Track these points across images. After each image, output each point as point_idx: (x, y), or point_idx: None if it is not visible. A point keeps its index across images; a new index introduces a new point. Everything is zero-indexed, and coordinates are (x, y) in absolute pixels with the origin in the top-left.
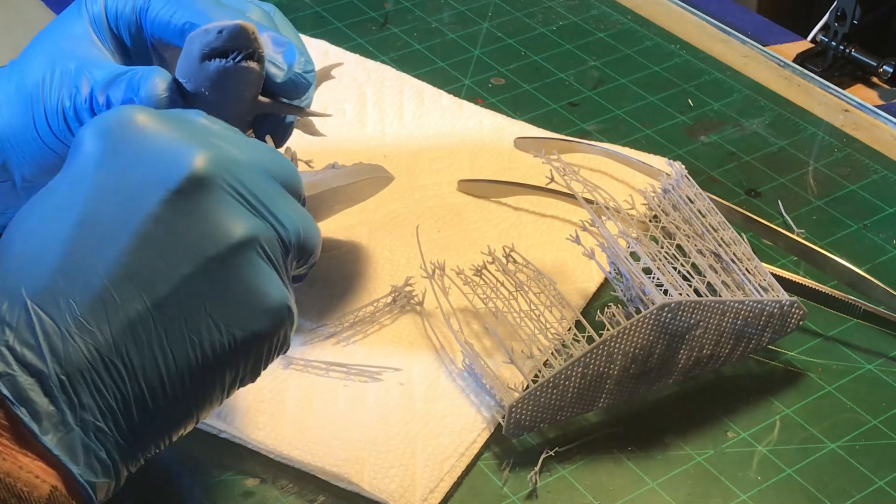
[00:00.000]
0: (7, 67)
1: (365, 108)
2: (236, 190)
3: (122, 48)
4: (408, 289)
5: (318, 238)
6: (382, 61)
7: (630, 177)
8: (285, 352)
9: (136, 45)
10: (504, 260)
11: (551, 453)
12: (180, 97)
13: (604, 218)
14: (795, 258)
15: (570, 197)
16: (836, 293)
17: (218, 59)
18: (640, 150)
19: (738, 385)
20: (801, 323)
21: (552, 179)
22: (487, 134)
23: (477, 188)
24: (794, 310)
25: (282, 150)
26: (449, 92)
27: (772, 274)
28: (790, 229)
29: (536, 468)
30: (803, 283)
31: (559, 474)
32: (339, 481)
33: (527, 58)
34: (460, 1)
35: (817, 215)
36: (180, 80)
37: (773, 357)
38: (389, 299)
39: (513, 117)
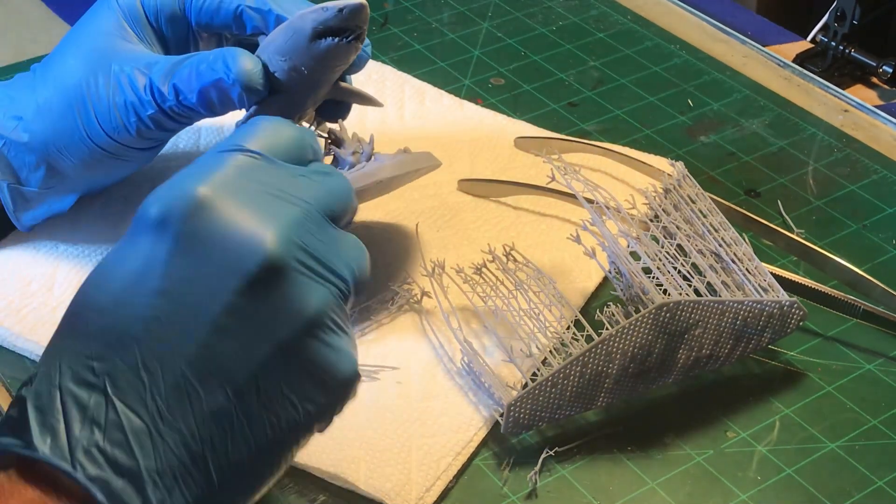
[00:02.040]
0: (35, 72)
1: (366, 107)
2: (303, 261)
3: (160, 39)
4: (406, 287)
5: (367, 264)
6: (382, 61)
7: (630, 177)
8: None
9: (177, 34)
10: (504, 258)
11: (551, 453)
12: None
13: (604, 217)
14: (795, 258)
15: (569, 196)
16: (837, 293)
17: (330, 38)
18: (641, 150)
19: (738, 385)
20: (801, 323)
21: (553, 178)
22: (487, 134)
23: (477, 188)
24: (793, 310)
25: (337, 125)
26: (449, 92)
27: (772, 274)
28: (790, 229)
29: (536, 468)
30: (803, 283)
31: (559, 474)
32: (335, 480)
33: (527, 58)
34: (460, 1)
35: (817, 215)
36: (271, 57)
37: (773, 357)
38: (388, 298)
39: (513, 117)
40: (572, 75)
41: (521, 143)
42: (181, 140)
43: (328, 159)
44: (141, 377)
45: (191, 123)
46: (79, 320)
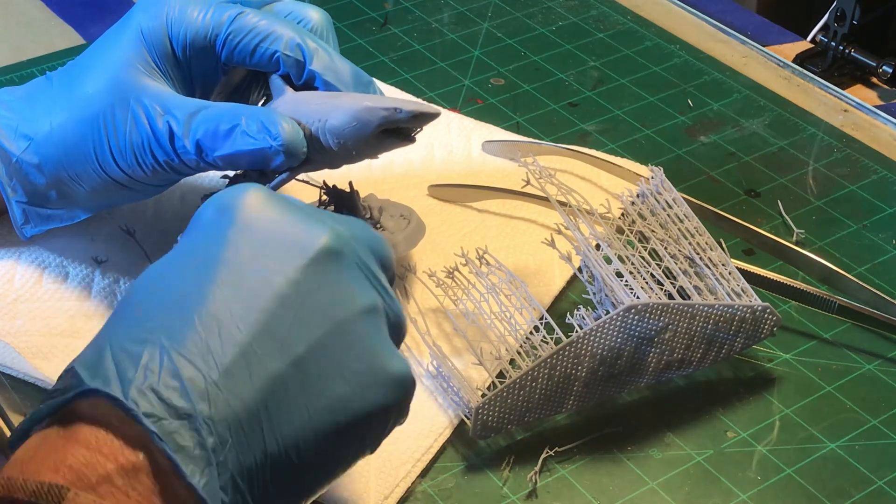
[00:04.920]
0: (52, 82)
1: None
2: (360, 262)
3: (183, 73)
4: None
5: (405, 321)
6: (382, 61)
7: (602, 179)
8: (402, 423)
9: (204, 68)
10: (478, 262)
11: (551, 453)
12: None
13: (578, 221)
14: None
15: (540, 199)
16: (811, 289)
17: (395, 137)
18: (641, 150)
19: (738, 385)
20: (774, 329)
21: (528, 182)
22: (455, 138)
23: (447, 192)
24: (766, 315)
25: (346, 187)
26: (449, 92)
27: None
28: (790, 229)
29: (536, 468)
30: (778, 279)
31: (559, 474)
32: None
33: (527, 58)
34: (460, 1)
35: (817, 215)
36: (322, 133)
37: (773, 357)
38: None
39: (512, 117)
40: (572, 75)
41: (488, 146)
42: None
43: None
44: (199, 334)
45: (207, 171)
46: (131, 301)
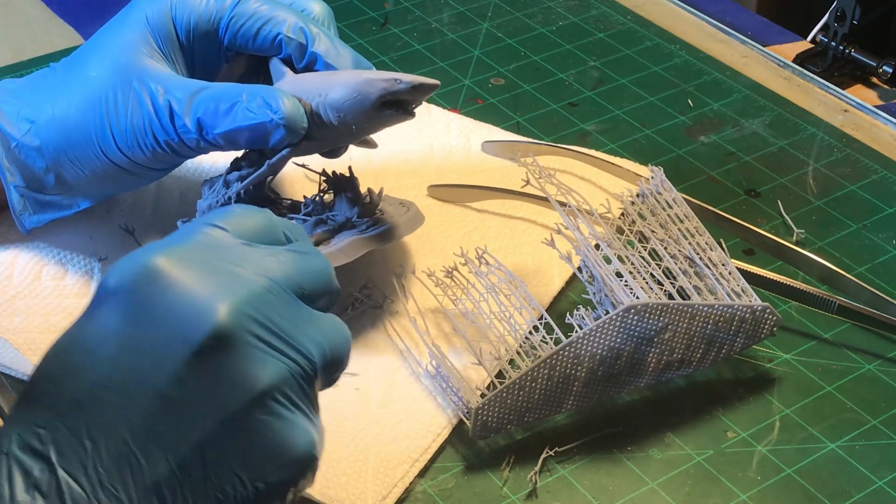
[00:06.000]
0: (56, 71)
1: None
2: (258, 334)
3: (186, 57)
4: (366, 292)
5: (345, 348)
6: (382, 61)
7: (601, 179)
8: (307, 488)
9: (207, 53)
10: (477, 262)
11: (551, 453)
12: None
13: (578, 221)
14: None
15: (539, 199)
16: (811, 289)
17: (394, 109)
18: (641, 150)
19: (738, 385)
20: (774, 329)
21: (527, 182)
22: (455, 138)
23: (446, 193)
24: (766, 315)
25: (346, 172)
26: (449, 92)
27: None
28: (790, 229)
29: (536, 468)
30: (778, 279)
31: (559, 474)
32: None
33: (527, 58)
34: (460, 1)
35: (817, 215)
36: (322, 108)
37: (773, 357)
38: (348, 304)
39: (512, 117)
40: (572, 75)
41: (488, 146)
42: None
43: (328, 196)
44: (84, 445)
45: (207, 153)
46: (33, 389)
